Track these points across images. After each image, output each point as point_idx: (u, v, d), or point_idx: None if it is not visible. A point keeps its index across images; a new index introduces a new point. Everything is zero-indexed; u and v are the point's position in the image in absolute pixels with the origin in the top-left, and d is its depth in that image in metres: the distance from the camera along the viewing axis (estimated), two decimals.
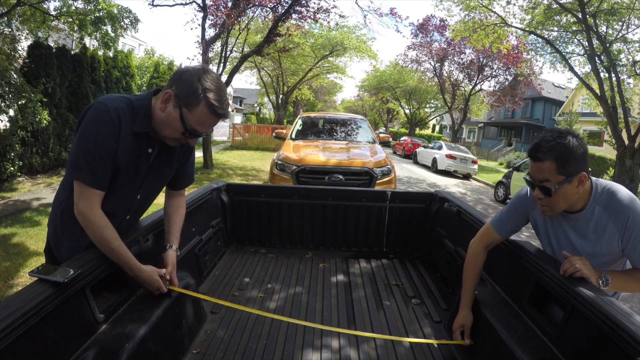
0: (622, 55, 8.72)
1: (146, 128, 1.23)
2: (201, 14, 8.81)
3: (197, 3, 8.95)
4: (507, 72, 19.70)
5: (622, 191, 1.24)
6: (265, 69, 21.86)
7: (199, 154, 12.20)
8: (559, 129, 1.26)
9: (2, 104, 5.97)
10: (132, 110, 1.21)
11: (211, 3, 8.55)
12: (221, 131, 20.59)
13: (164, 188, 1.52)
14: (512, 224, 1.49)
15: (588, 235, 1.29)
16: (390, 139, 6.52)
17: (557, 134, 1.21)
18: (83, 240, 1.25)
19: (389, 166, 4.75)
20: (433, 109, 31.33)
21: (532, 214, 1.44)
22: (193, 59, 11.47)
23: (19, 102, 5.97)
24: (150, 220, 1.61)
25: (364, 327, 1.82)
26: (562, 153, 1.17)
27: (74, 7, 7.91)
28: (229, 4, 8.42)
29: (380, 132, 6.34)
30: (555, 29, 9.59)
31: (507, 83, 20.23)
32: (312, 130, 6.13)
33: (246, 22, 9.82)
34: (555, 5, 8.58)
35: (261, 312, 1.62)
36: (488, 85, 21.95)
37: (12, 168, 6.38)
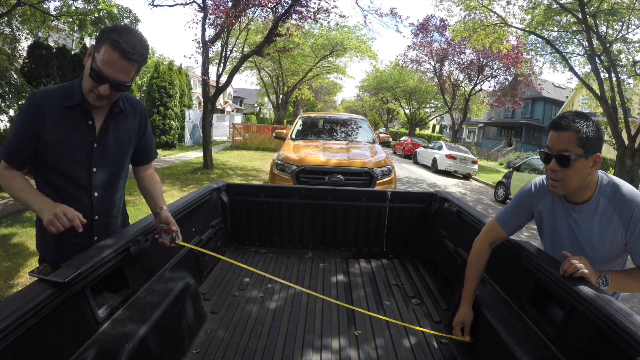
0: (622, 56, 8.72)
1: (76, 100, 1.28)
2: (201, 14, 8.81)
3: (197, 3, 8.96)
4: (507, 72, 19.70)
5: (627, 185, 1.25)
6: (265, 69, 21.87)
7: (199, 154, 12.21)
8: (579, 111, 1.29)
9: (2, 104, 5.98)
10: (64, 90, 1.30)
11: (211, 3, 8.55)
12: (221, 131, 20.60)
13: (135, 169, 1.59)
14: (517, 220, 1.48)
15: (593, 227, 1.28)
16: (390, 139, 6.53)
17: (579, 113, 1.24)
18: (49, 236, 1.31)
19: (389, 166, 4.75)
20: (433, 109, 31.34)
21: (537, 208, 1.43)
22: (191, 57, 11.48)
23: (19, 102, 5.97)
24: (150, 221, 1.61)
25: (364, 327, 1.82)
26: (584, 127, 1.20)
27: (74, 7, 7.93)
28: (229, 4, 8.42)
29: (380, 132, 6.34)
30: (555, 29, 9.60)
31: (507, 83, 20.23)
32: (312, 131, 6.13)
33: (246, 22, 9.82)
34: (555, 5, 8.59)
35: (297, 286, 1.61)
36: (488, 86, 21.98)
37: None
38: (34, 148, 1.27)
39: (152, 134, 1.58)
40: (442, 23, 18.95)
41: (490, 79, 20.64)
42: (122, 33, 1.20)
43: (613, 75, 7.98)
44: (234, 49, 11.53)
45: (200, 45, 9.03)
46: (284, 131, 6.17)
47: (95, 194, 1.38)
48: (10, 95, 5.95)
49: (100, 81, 1.22)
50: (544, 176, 1.39)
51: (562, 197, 1.35)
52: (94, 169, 1.36)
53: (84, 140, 1.32)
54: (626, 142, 7.97)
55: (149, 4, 9.00)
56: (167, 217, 1.47)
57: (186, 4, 9.10)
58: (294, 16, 8.80)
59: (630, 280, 1.26)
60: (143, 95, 12.95)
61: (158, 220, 1.49)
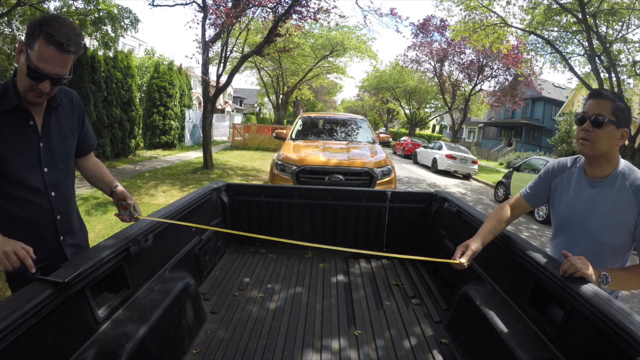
0: (622, 56, 8.73)
1: (13, 102, 1.22)
2: (201, 14, 8.82)
3: (197, 3, 8.96)
4: (507, 73, 19.70)
5: None
6: (265, 69, 21.88)
7: (199, 154, 12.21)
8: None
9: None
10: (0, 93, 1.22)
11: (211, 3, 8.56)
12: (221, 131, 20.61)
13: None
14: (536, 189, 1.59)
15: (609, 201, 1.34)
16: (390, 139, 6.53)
17: (616, 92, 1.40)
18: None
19: (389, 166, 4.75)
20: (433, 109, 31.35)
21: (554, 181, 1.53)
22: (192, 57, 11.50)
23: None
24: (150, 221, 1.61)
25: (364, 327, 1.82)
26: (619, 101, 1.33)
27: (74, 7, 7.93)
28: (229, 4, 8.43)
29: (381, 132, 6.34)
30: (555, 29, 9.60)
31: (507, 83, 20.23)
32: (312, 131, 6.14)
33: (246, 22, 9.82)
34: (555, 6, 8.59)
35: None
36: (488, 86, 21.98)
37: None
38: None
39: (89, 123, 1.56)
40: (443, 23, 18.96)
41: (490, 79, 20.65)
42: (53, 25, 1.13)
43: (613, 75, 7.98)
44: (234, 49, 11.54)
45: (201, 45, 9.03)
46: (284, 131, 6.17)
47: (52, 193, 1.34)
48: None
49: (40, 78, 1.16)
50: (564, 158, 1.56)
51: (582, 172, 1.44)
52: (45, 169, 1.31)
53: (29, 141, 1.27)
54: (626, 142, 7.97)
55: (149, 4, 9.01)
56: (122, 193, 1.47)
57: (186, 4, 9.10)
58: (294, 16, 8.80)
59: (630, 277, 1.28)
60: (143, 95, 12.95)
61: (115, 198, 1.48)
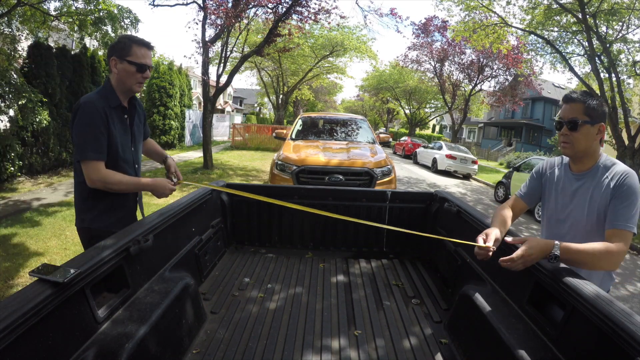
0: (622, 56, 8.73)
1: (117, 101, 1.68)
2: (202, 14, 8.81)
3: (197, 3, 8.95)
4: (507, 73, 19.69)
5: (620, 162, 1.48)
6: (265, 69, 21.87)
7: (199, 154, 12.19)
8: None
9: (2, 104, 5.98)
10: (105, 95, 1.66)
11: (211, 3, 8.55)
12: (221, 131, 20.60)
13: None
14: (531, 188, 1.70)
15: (591, 191, 1.45)
16: (390, 139, 6.52)
17: (586, 91, 1.52)
18: (98, 208, 1.69)
19: (389, 166, 4.75)
20: (433, 109, 31.33)
21: (545, 178, 1.66)
22: (191, 57, 11.50)
23: (19, 102, 5.97)
24: (150, 221, 1.61)
25: (364, 328, 1.82)
26: (589, 100, 1.43)
27: (74, 7, 7.92)
28: (229, 4, 8.42)
29: (381, 132, 6.33)
30: (556, 29, 9.60)
31: (507, 83, 20.22)
32: (312, 131, 6.13)
33: (246, 22, 9.82)
34: (555, 6, 8.59)
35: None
36: (488, 86, 21.97)
37: (12, 168, 6.38)
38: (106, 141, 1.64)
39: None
40: (444, 24, 18.95)
41: (490, 79, 20.64)
42: (134, 37, 1.71)
43: (613, 75, 7.98)
44: (234, 49, 11.54)
45: (201, 45, 9.03)
46: (284, 131, 6.17)
47: (136, 165, 1.85)
48: (10, 96, 5.94)
49: (144, 69, 1.68)
50: (552, 158, 1.70)
51: (567, 168, 1.57)
52: (133, 148, 1.81)
53: (125, 128, 1.76)
54: (626, 142, 7.97)
55: (150, 4, 9.01)
56: (168, 165, 2.00)
57: (187, 4, 9.10)
58: (294, 17, 8.79)
59: (583, 255, 1.29)
60: (143, 95, 12.96)
61: (165, 167, 2.00)
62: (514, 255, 1.30)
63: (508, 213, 1.62)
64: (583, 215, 1.45)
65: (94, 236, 1.61)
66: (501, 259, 1.33)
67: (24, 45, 7.72)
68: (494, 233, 1.45)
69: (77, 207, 1.72)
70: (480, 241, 1.43)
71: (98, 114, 1.58)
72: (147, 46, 1.71)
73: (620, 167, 1.43)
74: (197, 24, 9.16)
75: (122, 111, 1.72)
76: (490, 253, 1.41)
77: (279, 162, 4.70)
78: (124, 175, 1.66)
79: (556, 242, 1.30)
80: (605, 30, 8.53)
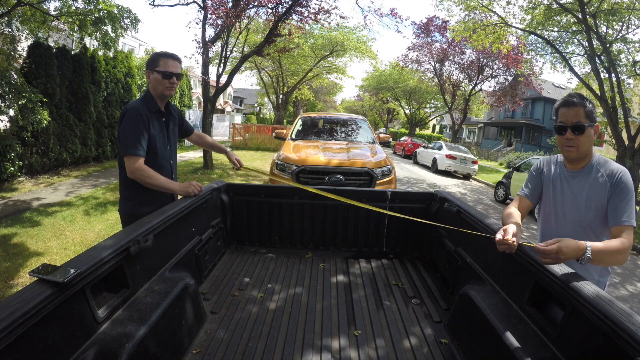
0: (622, 56, 8.72)
1: (156, 107, 2.03)
2: (202, 14, 8.81)
3: (197, 3, 8.95)
4: (507, 73, 19.69)
5: (612, 161, 1.56)
6: (265, 69, 21.86)
7: (199, 154, 12.18)
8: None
9: (2, 104, 5.97)
10: (146, 102, 2.02)
11: (211, 3, 8.54)
12: (221, 131, 20.59)
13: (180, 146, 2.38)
14: (532, 185, 1.74)
15: (587, 188, 1.53)
16: (390, 139, 6.52)
17: (579, 94, 1.56)
18: (138, 199, 2.00)
19: (389, 166, 4.75)
20: (433, 109, 31.32)
21: (543, 173, 1.71)
22: (191, 57, 11.48)
23: (19, 102, 5.96)
24: (150, 221, 1.61)
25: (364, 328, 1.82)
26: (587, 103, 1.50)
27: (74, 7, 7.91)
28: (229, 4, 8.42)
29: (381, 132, 6.33)
30: (556, 29, 9.60)
31: (507, 83, 20.22)
32: (312, 131, 6.13)
33: (246, 22, 9.81)
34: (555, 6, 8.59)
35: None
36: (488, 86, 21.95)
37: (12, 168, 6.38)
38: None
39: (187, 120, 2.46)
40: (444, 24, 18.95)
41: (490, 79, 20.63)
42: (161, 51, 2.05)
43: (613, 75, 7.98)
44: (234, 49, 11.53)
45: (201, 45, 9.02)
46: (284, 131, 6.16)
47: (172, 161, 2.16)
48: (10, 96, 5.94)
49: (170, 76, 1.99)
50: (548, 156, 1.75)
51: (563, 167, 1.64)
52: (168, 147, 2.13)
53: (163, 129, 2.08)
54: (626, 142, 7.96)
55: (150, 4, 9.00)
56: (230, 155, 2.49)
57: (187, 4, 9.10)
58: (294, 17, 8.78)
59: (607, 253, 1.31)
60: (143, 95, 12.95)
61: (228, 158, 2.48)
62: (549, 247, 1.25)
63: (516, 212, 1.64)
64: (580, 211, 1.52)
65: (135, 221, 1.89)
66: (536, 245, 1.31)
67: (24, 45, 7.72)
68: (511, 227, 1.43)
69: (121, 195, 2.06)
70: (499, 236, 1.41)
71: (141, 118, 1.90)
72: (172, 57, 2.03)
73: (614, 165, 1.51)
74: (197, 23, 9.16)
75: (160, 115, 2.07)
76: (514, 243, 1.38)
77: (279, 162, 4.70)
78: (157, 174, 1.92)
79: (587, 244, 1.27)
80: (605, 30, 8.52)
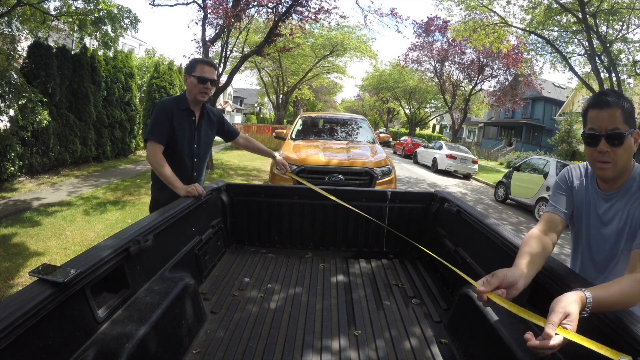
0: (622, 55, 8.73)
1: (186, 105, 2.18)
2: (202, 14, 8.81)
3: (197, 3, 8.95)
4: (507, 72, 19.70)
5: None
6: (265, 69, 21.87)
7: None
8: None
9: (2, 104, 5.97)
10: (178, 100, 2.19)
11: (211, 2, 8.54)
12: None
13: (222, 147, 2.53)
14: (566, 200, 1.32)
15: (619, 214, 1.17)
16: (391, 139, 6.52)
17: (614, 90, 1.17)
18: (158, 183, 2.17)
19: (389, 166, 4.75)
20: (433, 109, 31.34)
21: (574, 189, 1.32)
22: (190, 57, 11.52)
23: (19, 102, 5.96)
24: (150, 220, 1.61)
25: (364, 328, 1.82)
26: (625, 103, 1.12)
27: (74, 7, 7.91)
28: (229, 4, 8.42)
29: (381, 132, 6.33)
30: (556, 29, 9.60)
31: (507, 83, 20.23)
32: (312, 130, 6.13)
33: (246, 22, 9.81)
34: (555, 5, 8.59)
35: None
36: (488, 85, 21.96)
37: (12, 168, 6.38)
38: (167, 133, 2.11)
39: (230, 124, 2.59)
40: (445, 24, 18.96)
41: (490, 78, 20.64)
42: (199, 58, 2.07)
43: (613, 75, 7.98)
44: (234, 49, 11.54)
45: (200, 45, 9.03)
46: (284, 131, 6.17)
47: (195, 160, 2.27)
48: (10, 95, 5.94)
49: (204, 81, 2.14)
50: (574, 165, 1.35)
51: (595, 185, 1.24)
52: (195, 146, 2.24)
53: (189, 128, 2.20)
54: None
55: (150, 4, 9.00)
56: (277, 160, 2.75)
57: (187, 3, 9.10)
58: (295, 16, 8.78)
59: (616, 303, 0.98)
60: (143, 95, 12.96)
61: (276, 162, 2.75)
62: (544, 342, 0.90)
63: (538, 246, 1.19)
64: (616, 240, 1.18)
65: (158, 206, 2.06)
66: (530, 344, 0.95)
67: (24, 45, 7.72)
68: (501, 277, 1.03)
69: (153, 181, 2.26)
70: (480, 282, 1.03)
71: (164, 111, 2.10)
72: (208, 64, 2.19)
73: None
74: (197, 23, 9.16)
75: (189, 114, 2.20)
76: (486, 299, 1.00)
77: None
78: (167, 167, 2.06)
79: (587, 294, 0.94)
80: (605, 30, 8.53)
